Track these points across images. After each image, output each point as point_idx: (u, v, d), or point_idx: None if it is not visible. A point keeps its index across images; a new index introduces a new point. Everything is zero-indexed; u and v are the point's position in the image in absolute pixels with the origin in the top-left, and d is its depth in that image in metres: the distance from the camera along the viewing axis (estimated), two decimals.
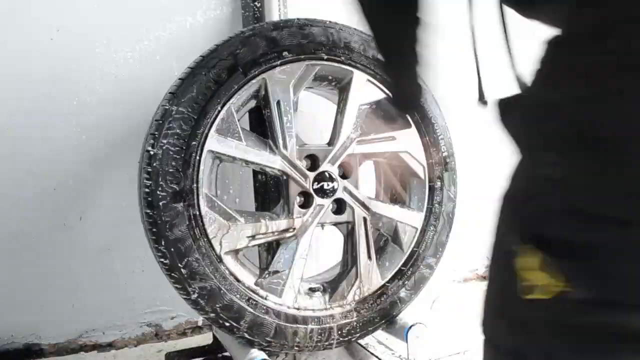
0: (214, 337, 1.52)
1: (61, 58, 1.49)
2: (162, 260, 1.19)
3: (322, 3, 1.76)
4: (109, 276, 1.62)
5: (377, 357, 1.46)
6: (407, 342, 1.36)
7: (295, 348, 1.32)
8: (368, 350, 1.50)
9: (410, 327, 1.36)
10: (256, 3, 1.59)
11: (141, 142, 1.24)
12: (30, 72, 1.46)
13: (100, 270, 1.60)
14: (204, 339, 1.70)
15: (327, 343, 1.36)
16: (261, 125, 1.35)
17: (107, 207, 1.59)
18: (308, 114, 1.77)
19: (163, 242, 1.17)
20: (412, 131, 1.44)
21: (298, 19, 1.37)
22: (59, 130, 1.51)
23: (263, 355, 1.24)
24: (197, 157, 1.20)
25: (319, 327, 1.34)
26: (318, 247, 1.89)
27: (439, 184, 1.47)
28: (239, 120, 1.28)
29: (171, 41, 1.58)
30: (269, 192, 1.44)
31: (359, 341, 1.53)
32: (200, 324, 1.75)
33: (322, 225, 1.36)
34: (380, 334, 1.63)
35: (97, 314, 1.62)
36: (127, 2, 1.53)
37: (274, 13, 1.57)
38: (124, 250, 1.62)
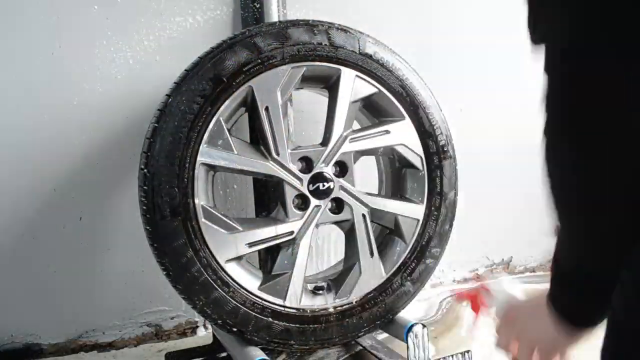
0: (214, 337, 1.52)
1: (61, 59, 1.49)
2: (165, 273, 1.23)
3: (323, 2, 1.76)
4: (109, 276, 1.62)
5: (377, 357, 1.47)
6: (406, 342, 1.36)
7: (303, 347, 1.34)
8: (368, 350, 1.50)
9: (410, 327, 1.36)
10: (255, 4, 1.59)
11: (141, 143, 1.24)
12: (30, 73, 1.47)
13: (100, 270, 1.61)
14: (204, 339, 1.71)
15: (334, 340, 1.38)
16: (255, 131, 1.36)
17: (107, 208, 1.59)
18: (307, 112, 1.77)
19: (165, 256, 1.21)
20: (407, 122, 1.43)
21: (280, 21, 1.37)
22: (59, 131, 1.51)
23: (263, 355, 1.25)
24: (191, 172, 1.22)
25: (325, 325, 1.36)
26: (329, 242, 1.90)
27: (438, 173, 1.46)
28: (230, 129, 1.29)
29: (171, 42, 1.58)
30: (269, 197, 1.44)
31: (360, 341, 1.54)
32: (200, 324, 1.75)
33: (317, 225, 1.36)
34: (380, 334, 1.64)
35: (97, 314, 1.62)
36: (127, 2, 1.53)
37: (274, 14, 1.58)
38: (124, 250, 1.62)
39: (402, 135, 1.43)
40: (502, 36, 2.14)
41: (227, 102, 1.25)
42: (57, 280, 1.56)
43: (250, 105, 1.30)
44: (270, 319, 1.29)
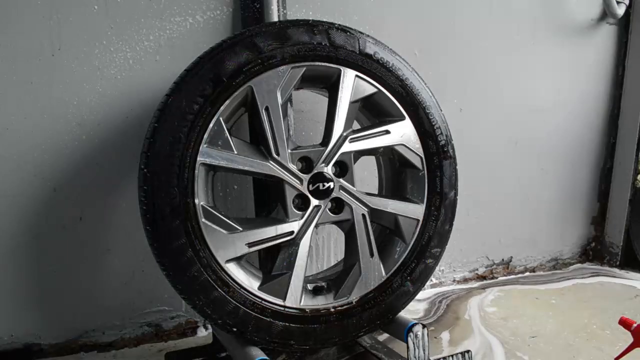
0: (214, 337, 1.52)
1: (61, 59, 1.49)
2: (165, 273, 1.23)
3: (323, 2, 1.76)
4: (109, 276, 1.62)
5: (377, 357, 1.47)
6: (406, 342, 1.36)
7: (303, 347, 1.35)
8: (368, 350, 1.50)
9: (410, 327, 1.36)
10: (255, 4, 1.60)
11: (141, 143, 1.25)
12: (30, 73, 1.47)
13: (100, 270, 1.61)
14: (204, 339, 1.71)
15: (334, 340, 1.38)
16: (255, 131, 1.36)
17: (107, 208, 1.59)
18: (307, 112, 1.78)
19: (165, 256, 1.21)
20: (407, 122, 1.43)
21: (280, 21, 1.36)
22: (59, 131, 1.51)
23: (263, 355, 1.25)
24: (190, 172, 1.22)
25: (325, 325, 1.36)
26: (329, 242, 1.90)
27: (438, 173, 1.46)
28: (231, 129, 1.29)
29: (171, 42, 1.58)
30: (269, 197, 1.44)
31: (360, 341, 1.54)
32: (200, 324, 1.75)
33: (317, 225, 1.36)
34: (380, 334, 1.64)
35: (97, 314, 1.62)
36: (127, 2, 1.53)
37: (274, 14, 1.58)
38: (124, 250, 1.62)
39: (402, 135, 1.43)
40: (502, 36, 2.14)
41: (227, 102, 1.25)
42: (57, 280, 1.57)
43: (250, 105, 1.31)
44: (270, 319, 1.29)
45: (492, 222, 2.27)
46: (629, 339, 1.36)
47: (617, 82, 2.43)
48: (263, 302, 1.29)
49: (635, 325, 1.34)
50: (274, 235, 1.31)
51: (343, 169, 1.39)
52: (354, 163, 1.41)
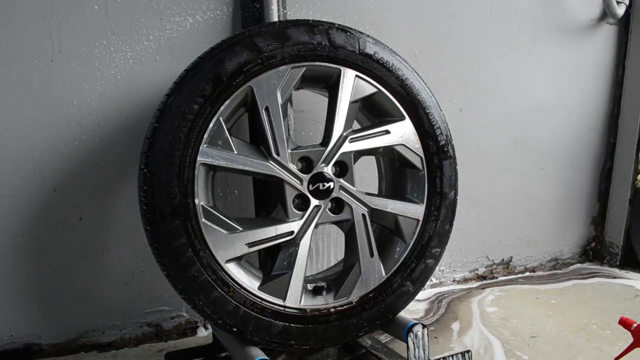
0: (214, 337, 1.52)
1: (61, 59, 1.49)
2: (165, 273, 1.23)
3: (323, 2, 1.76)
4: (109, 276, 1.62)
5: (377, 357, 1.47)
6: (406, 342, 1.36)
7: (303, 347, 1.35)
8: (368, 350, 1.51)
9: (410, 327, 1.36)
10: (255, 4, 1.60)
11: (141, 143, 1.25)
12: (30, 72, 1.47)
13: (100, 270, 1.61)
14: (204, 339, 1.71)
15: (334, 340, 1.38)
16: (255, 131, 1.36)
17: (107, 208, 1.59)
18: (307, 112, 1.78)
19: (165, 256, 1.21)
20: (407, 122, 1.43)
21: (280, 21, 1.36)
22: (59, 131, 1.51)
23: (263, 355, 1.25)
24: (190, 172, 1.22)
25: (325, 325, 1.36)
26: (329, 242, 1.90)
27: (438, 173, 1.46)
28: (231, 129, 1.29)
29: (171, 42, 1.58)
30: (269, 197, 1.44)
31: (360, 341, 1.54)
32: (200, 324, 1.75)
33: (317, 225, 1.36)
34: (380, 334, 1.64)
35: (97, 314, 1.62)
36: (127, 2, 1.53)
37: (274, 14, 1.58)
38: (124, 250, 1.62)
39: (402, 135, 1.43)
40: (502, 36, 2.14)
41: (227, 102, 1.25)
42: (57, 280, 1.57)
43: (250, 105, 1.31)
44: (270, 319, 1.29)
45: (492, 222, 2.27)
46: (629, 339, 1.36)
47: (617, 82, 2.43)
48: (263, 302, 1.29)
49: (635, 325, 1.34)
50: (274, 235, 1.31)
51: (343, 169, 1.39)
52: (354, 163, 1.41)
